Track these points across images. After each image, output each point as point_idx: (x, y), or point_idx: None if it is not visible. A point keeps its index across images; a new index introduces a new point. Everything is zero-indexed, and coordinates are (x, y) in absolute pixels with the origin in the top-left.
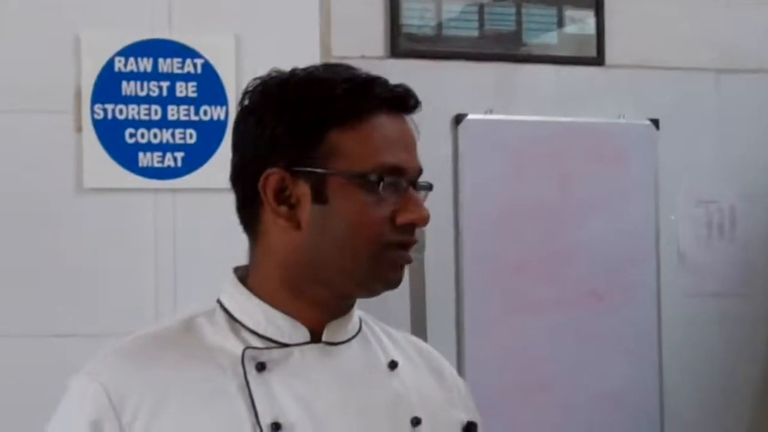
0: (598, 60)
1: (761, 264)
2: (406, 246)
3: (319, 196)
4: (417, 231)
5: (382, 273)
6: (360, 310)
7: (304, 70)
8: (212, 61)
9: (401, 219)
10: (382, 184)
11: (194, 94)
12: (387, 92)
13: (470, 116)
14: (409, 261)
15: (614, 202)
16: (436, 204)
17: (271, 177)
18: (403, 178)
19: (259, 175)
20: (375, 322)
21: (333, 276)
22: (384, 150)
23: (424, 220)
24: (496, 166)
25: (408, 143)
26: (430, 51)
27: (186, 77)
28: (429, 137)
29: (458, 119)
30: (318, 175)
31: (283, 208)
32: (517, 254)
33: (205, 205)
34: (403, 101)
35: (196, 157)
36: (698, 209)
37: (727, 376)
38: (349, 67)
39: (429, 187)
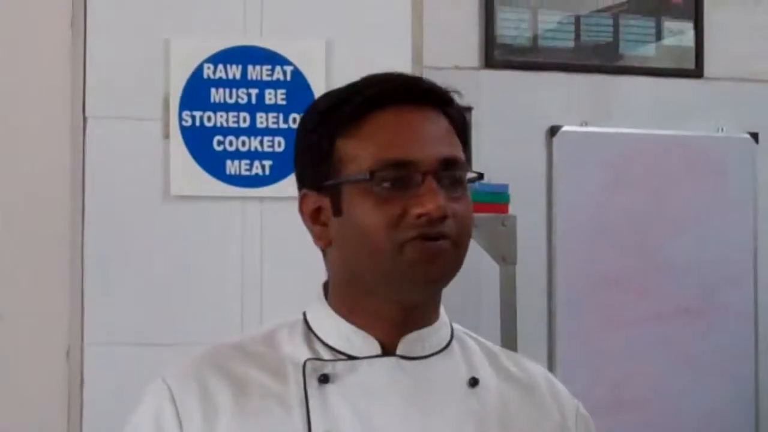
0: (697, 72)
1: None
2: (426, 238)
3: (337, 209)
4: (508, 242)
5: (408, 271)
6: (458, 324)
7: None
8: (302, 69)
9: (412, 212)
10: (383, 182)
11: (283, 102)
12: (376, 89)
13: (565, 128)
14: (439, 252)
15: (711, 218)
16: (529, 215)
17: (306, 199)
18: (412, 171)
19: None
20: (474, 338)
21: (372, 284)
22: (383, 146)
23: (436, 210)
24: (590, 178)
25: (419, 134)
26: (525, 62)
27: (275, 84)
28: (523, 149)
29: (553, 131)
30: (334, 187)
31: (317, 228)
32: (611, 268)
33: (292, 213)
34: (404, 93)
35: (284, 166)
36: None
37: None
38: (385, 74)
39: (479, 177)
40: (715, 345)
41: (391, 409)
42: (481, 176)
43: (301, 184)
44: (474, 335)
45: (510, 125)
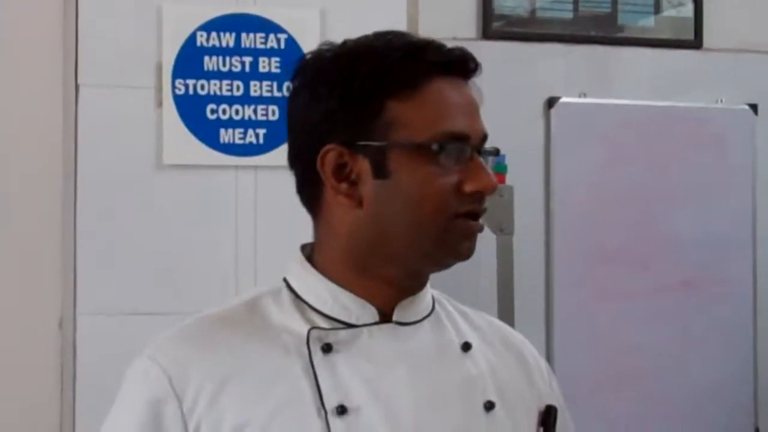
0: (696, 43)
1: None
2: (474, 215)
3: (381, 171)
4: (505, 213)
5: (453, 245)
6: (435, 290)
7: (356, 40)
8: (296, 37)
9: (468, 187)
10: (444, 153)
11: (277, 70)
12: (442, 56)
13: (563, 99)
14: (480, 230)
15: (710, 190)
16: (527, 187)
17: (329, 154)
18: (467, 145)
19: (316, 153)
20: (450, 302)
21: (400, 252)
22: (445, 117)
23: (492, 187)
24: (589, 150)
25: (470, 108)
26: (523, 33)
27: (269, 53)
28: (521, 120)
29: (551, 102)
30: (378, 148)
31: (344, 186)
32: (609, 240)
33: (286, 182)
34: (461, 64)
35: (278, 134)
36: None
37: None
38: (402, 34)
39: (495, 153)
40: (714, 318)
41: (397, 377)
42: (497, 151)
43: (319, 138)
44: (449, 299)
45: (508, 96)
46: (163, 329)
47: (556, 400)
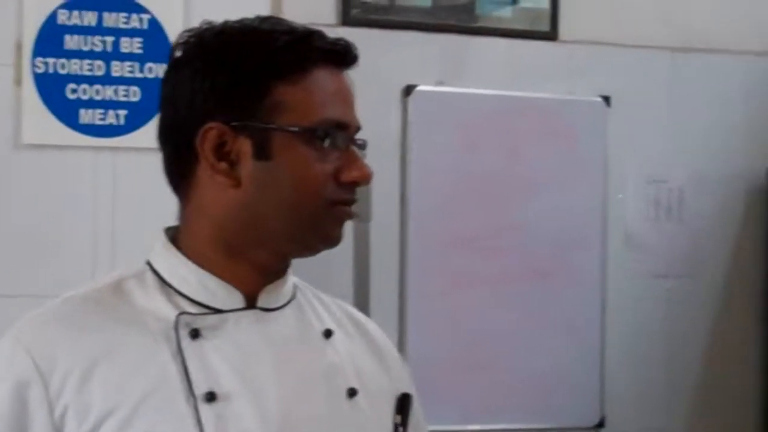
0: (552, 35)
1: (708, 246)
2: (348, 204)
3: (262, 152)
4: (363, 200)
5: (325, 230)
6: (295, 276)
7: (239, 22)
8: (159, 17)
9: (345, 177)
10: (327, 139)
11: (140, 51)
12: (328, 44)
13: (420, 87)
14: (351, 216)
15: (563, 179)
16: (383, 175)
17: (211, 132)
18: (346, 134)
19: (195, 130)
20: (308, 288)
21: (272, 234)
22: (329, 104)
23: (368, 177)
24: (445, 138)
25: (348, 98)
26: (382, 20)
27: (131, 33)
28: (378, 107)
29: (408, 90)
30: (262, 129)
31: (223, 165)
32: (463, 228)
33: (147, 165)
34: (345, 54)
35: (139, 116)
36: (647, 189)
37: (670, 357)
38: (282, 21)
39: (364, 146)
40: (564, 307)
41: (263, 364)
42: (365, 144)
43: (200, 115)
44: (307, 286)
45: (366, 83)
46: (19, 312)
47: (409, 388)
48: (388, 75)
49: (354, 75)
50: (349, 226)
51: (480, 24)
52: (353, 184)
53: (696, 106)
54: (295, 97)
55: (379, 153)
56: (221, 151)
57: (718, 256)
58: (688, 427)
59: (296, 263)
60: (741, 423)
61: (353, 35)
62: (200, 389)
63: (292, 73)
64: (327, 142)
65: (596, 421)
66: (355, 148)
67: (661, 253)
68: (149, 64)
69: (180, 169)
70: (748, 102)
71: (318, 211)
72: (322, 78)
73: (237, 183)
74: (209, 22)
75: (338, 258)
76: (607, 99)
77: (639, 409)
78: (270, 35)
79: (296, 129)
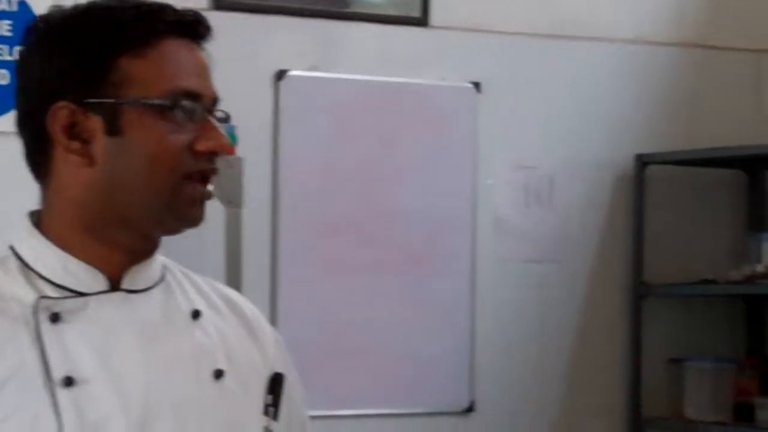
0: (423, 21)
1: (577, 231)
2: (206, 176)
3: (113, 128)
4: (234, 185)
5: (182, 210)
6: (165, 257)
7: (90, 1)
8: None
9: (201, 146)
10: (177, 110)
11: (9, 34)
12: (175, 16)
13: (292, 72)
14: (208, 197)
15: (434, 165)
16: (255, 160)
17: (60, 112)
18: (199, 104)
19: (47, 112)
20: (179, 269)
21: (131, 213)
22: (178, 75)
23: (225, 146)
24: (317, 123)
25: (202, 69)
26: (254, 5)
27: (0, 15)
28: (250, 93)
29: (280, 75)
30: (110, 105)
31: (75, 144)
32: (336, 215)
33: (17, 149)
34: (194, 26)
35: (8, 99)
36: (517, 175)
37: (540, 342)
38: (159, 3)
39: (226, 119)
40: (436, 292)
41: (127, 346)
42: (228, 117)
43: (50, 97)
44: (179, 267)
45: (238, 68)
46: None
47: (285, 367)
48: (260, 60)
49: (226, 60)
50: (220, 212)
51: (352, 9)
52: (210, 154)
53: (566, 93)
54: (142, 69)
55: (250, 138)
56: (73, 131)
57: (587, 241)
58: (558, 411)
59: (167, 250)
60: (610, 406)
61: (226, 20)
62: (58, 374)
63: (138, 46)
64: (179, 114)
65: (466, 405)
66: (212, 119)
67: (531, 238)
68: (18, 47)
69: (37, 153)
70: (617, 90)
71: (173, 186)
72: (171, 50)
73: (91, 161)
74: (58, 5)
75: (210, 244)
76: (477, 85)
77: (509, 393)
78: (115, 11)
79: (145, 101)
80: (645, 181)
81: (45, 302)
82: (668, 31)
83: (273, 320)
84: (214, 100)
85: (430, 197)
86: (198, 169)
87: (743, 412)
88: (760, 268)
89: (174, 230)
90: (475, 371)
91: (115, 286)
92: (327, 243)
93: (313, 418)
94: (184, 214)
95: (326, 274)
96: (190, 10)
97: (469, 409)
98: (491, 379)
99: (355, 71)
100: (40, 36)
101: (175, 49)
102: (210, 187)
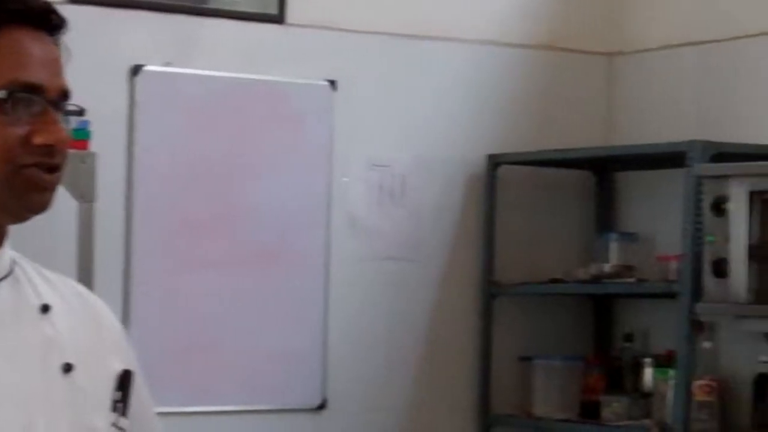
0: (280, 18)
1: (430, 230)
2: (43, 167)
3: None
4: (87, 180)
5: (22, 195)
6: (14, 251)
7: None
8: None
9: (37, 140)
10: (12, 101)
11: None
12: (22, 5)
13: (148, 67)
14: (51, 184)
15: (290, 162)
16: (109, 155)
17: None
18: (40, 97)
19: None
20: (29, 263)
21: None
22: (18, 66)
23: (61, 141)
24: (173, 119)
25: (49, 61)
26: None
27: None
28: (105, 87)
29: (136, 70)
30: None
31: None
32: (190, 211)
33: None
34: (43, 16)
35: None
36: (371, 173)
37: (393, 339)
38: None
39: (79, 112)
40: (290, 289)
41: None
42: (82, 111)
43: None
44: (28, 261)
45: (93, 62)
46: None
47: (132, 364)
48: (116, 54)
49: (81, 53)
50: (73, 207)
51: (210, 5)
52: (46, 148)
53: (420, 92)
54: None
55: (105, 133)
56: None
57: (439, 240)
58: (410, 407)
59: (18, 245)
60: (460, 403)
61: (81, 13)
62: None
63: None
64: (13, 105)
65: (318, 402)
66: (54, 112)
67: (384, 236)
68: None
69: None
70: (470, 90)
71: (9, 176)
72: (14, 40)
73: None
74: None
75: (62, 239)
76: (333, 83)
77: (361, 390)
78: None
79: None
80: (496, 181)
81: None
82: (520, 32)
83: (126, 316)
84: (63, 94)
85: (285, 194)
86: (33, 161)
87: (589, 410)
88: (607, 268)
89: (19, 217)
90: (328, 368)
91: None
92: (181, 239)
93: (166, 414)
94: (24, 202)
95: (180, 271)
96: (41, 1)
97: (322, 406)
98: (344, 376)
99: (212, 68)
100: None
101: (19, 38)
102: (56, 177)
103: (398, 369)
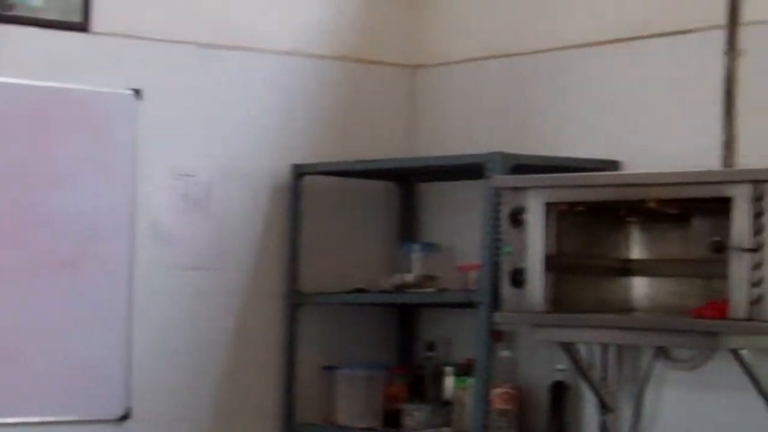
0: (84, 26)
1: (234, 240)
2: None
3: None
4: None
5: None
6: None
7: None
8: None
9: None
10: None
11: None
12: None
13: None
14: None
15: (92, 171)
16: None
17: None
18: None
19: None
20: None
21: None
22: None
23: None
24: None
25: None
26: None
27: None
28: None
29: None
30: None
31: None
32: None
33: None
34: None
35: None
36: (176, 182)
37: (197, 348)
38: None
39: None
40: (91, 298)
41: None
42: None
43: None
44: None
45: None
46: None
47: None
48: None
49: None
50: None
51: (12, 12)
52: None
53: (225, 102)
54: None
55: None
56: None
57: (244, 249)
58: (214, 416)
59: None
60: (265, 411)
61: None
62: None
63: None
64: None
65: (121, 413)
66: None
67: (189, 245)
68: None
69: None
70: (275, 100)
71: None
72: None
73: None
74: None
75: None
76: (138, 92)
77: (166, 399)
78: None
79: None
80: (301, 191)
81: None
82: (324, 44)
83: None
84: None
85: (87, 203)
86: None
87: (392, 419)
88: (410, 278)
89: None
90: (131, 378)
91: None
92: None
93: None
94: None
95: None
96: None
97: (125, 417)
98: (148, 386)
99: (14, 75)
100: None
101: None
102: None
103: (203, 378)
